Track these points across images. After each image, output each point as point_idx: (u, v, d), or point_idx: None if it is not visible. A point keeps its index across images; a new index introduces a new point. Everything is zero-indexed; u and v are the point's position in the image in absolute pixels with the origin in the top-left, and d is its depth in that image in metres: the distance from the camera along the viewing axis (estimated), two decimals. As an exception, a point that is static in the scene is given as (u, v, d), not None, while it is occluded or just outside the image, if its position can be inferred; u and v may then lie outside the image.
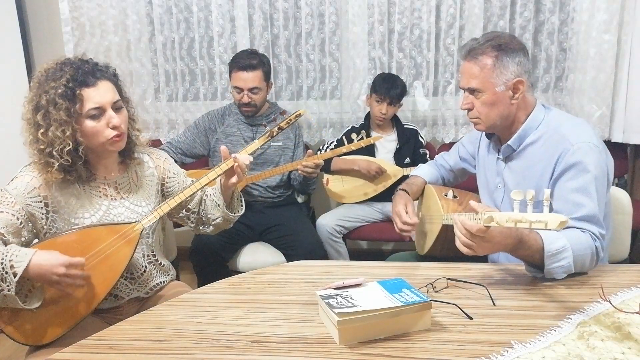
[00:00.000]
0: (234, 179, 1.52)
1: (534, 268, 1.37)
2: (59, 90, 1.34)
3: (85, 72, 1.38)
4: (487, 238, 1.26)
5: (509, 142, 1.56)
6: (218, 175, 1.52)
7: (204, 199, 1.64)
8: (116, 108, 1.43)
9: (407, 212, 1.68)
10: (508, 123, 1.55)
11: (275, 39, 3.07)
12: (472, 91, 1.52)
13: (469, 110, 1.55)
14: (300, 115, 1.66)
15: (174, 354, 1.09)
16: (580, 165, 1.41)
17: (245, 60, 2.44)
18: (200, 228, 1.69)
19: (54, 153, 1.36)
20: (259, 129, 2.58)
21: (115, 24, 3.05)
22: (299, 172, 2.38)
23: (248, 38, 3.03)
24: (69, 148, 1.37)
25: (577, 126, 1.50)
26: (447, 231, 1.63)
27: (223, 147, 1.52)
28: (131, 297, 1.57)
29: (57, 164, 1.37)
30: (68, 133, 1.36)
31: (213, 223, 1.65)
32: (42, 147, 1.37)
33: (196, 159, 2.67)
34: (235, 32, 3.05)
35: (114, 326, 1.22)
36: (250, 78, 2.44)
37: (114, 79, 1.47)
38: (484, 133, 1.72)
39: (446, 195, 1.73)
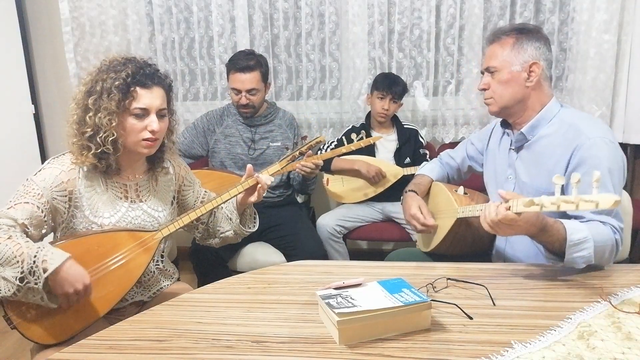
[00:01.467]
0: (252, 198, 1.57)
1: (553, 256, 1.38)
2: (117, 82, 1.39)
3: (146, 74, 1.43)
4: (512, 223, 1.28)
5: (522, 130, 1.57)
6: (239, 192, 1.56)
7: (214, 211, 1.66)
8: (160, 115, 1.47)
9: (422, 214, 1.69)
10: (521, 108, 1.57)
11: (275, 39, 3.07)
12: (490, 71, 1.57)
13: (485, 90, 1.59)
14: (320, 141, 1.79)
15: (174, 354, 1.09)
16: (596, 159, 1.42)
17: (243, 61, 2.44)
18: (206, 239, 1.71)
19: (97, 139, 1.40)
20: (258, 130, 2.58)
21: (115, 24, 3.06)
22: (297, 171, 2.38)
23: (248, 38, 3.03)
24: (113, 138, 1.41)
25: (593, 122, 1.52)
26: (459, 226, 1.63)
27: (249, 166, 1.56)
28: (134, 300, 1.58)
29: (94, 149, 1.41)
30: (114, 123, 1.40)
31: (221, 236, 1.67)
32: (87, 129, 1.40)
33: (195, 159, 2.67)
34: (235, 32, 3.05)
35: (114, 326, 1.22)
36: (248, 79, 2.44)
37: (168, 89, 1.52)
38: (495, 128, 1.73)
39: (457, 192, 1.73)
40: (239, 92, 2.46)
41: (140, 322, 1.23)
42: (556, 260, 1.38)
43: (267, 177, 1.56)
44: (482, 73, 1.62)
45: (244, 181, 1.55)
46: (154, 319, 1.25)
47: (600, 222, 1.41)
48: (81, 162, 1.43)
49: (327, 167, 2.70)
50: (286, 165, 1.68)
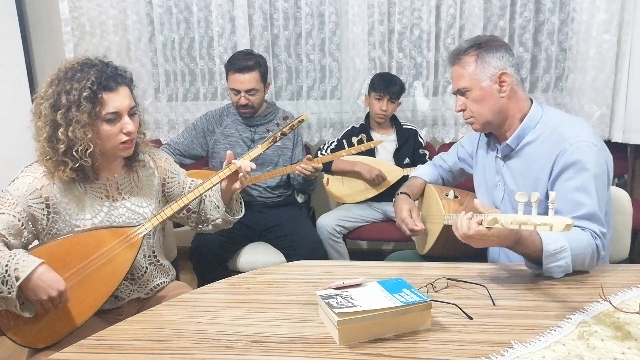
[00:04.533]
0: (236, 185, 1.55)
1: (533, 264, 1.38)
2: (84, 93, 1.35)
3: (108, 76, 1.39)
4: (484, 238, 1.28)
5: (507, 142, 1.57)
6: (221, 180, 1.54)
7: (203, 199, 1.65)
8: (131, 114, 1.44)
9: (412, 218, 1.70)
10: (501, 119, 1.56)
11: (275, 39, 3.07)
12: (462, 92, 1.56)
13: (463, 111, 1.59)
14: (302, 120, 1.70)
15: (174, 354, 1.09)
16: (579, 164, 1.42)
17: (242, 62, 2.44)
18: (200, 227, 1.70)
19: (74, 154, 1.37)
20: (257, 130, 2.58)
21: (115, 24, 3.06)
22: (297, 173, 2.37)
23: (248, 38, 3.03)
24: (90, 150, 1.38)
25: (576, 125, 1.51)
26: (448, 231, 1.63)
27: (229, 152, 1.54)
28: (131, 298, 1.57)
29: (72, 164, 1.38)
30: (90, 135, 1.37)
31: (212, 223, 1.66)
32: (60, 146, 1.37)
33: (195, 160, 2.67)
34: (235, 32, 3.05)
35: (114, 326, 1.22)
36: (247, 80, 2.43)
37: (131, 84, 1.48)
38: (482, 133, 1.72)
39: (447, 195, 1.73)
40: (238, 92, 2.46)
41: (140, 322, 1.23)
42: (535, 269, 1.38)
43: (247, 163, 1.52)
44: (455, 94, 1.61)
45: (224, 168, 1.52)
46: (154, 319, 1.25)
47: (580, 227, 1.40)
48: (58, 178, 1.40)
49: (327, 168, 2.70)
50: (268, 147, 1.63)
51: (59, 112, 1.36)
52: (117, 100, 1.40)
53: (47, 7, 3.14)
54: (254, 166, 1.54)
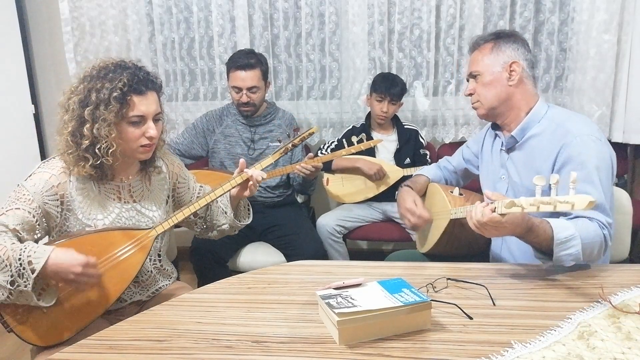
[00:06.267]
0: (246, 193, 1.58)
1: (542, 255, 1.38)
2: (115, 94, 1.36)
3: (140, 79, 1.41)
4: (498, 225, 1.28)
5: (512, 134, 1.59)
6: (232, 187, 1.56)
7: (211, 205, 1.66)
8: (156, 120, 1.46)
9: (417, 207, 1.70)
10: (506, 108, 1.60)
11: (275, 39, 3.07)
12: (473, 76, 1.63)
13: (472, 95, 1.64)
14: (313, 133, 1.75)
15: (174, 354, 1.09)
16: (583, 156, 1.43)
17: (243, 59, 2.44)
18: (205, 233, 1.71)
19: (96, 151, 1.38)
20: (257, 130, 2.58)
21: (115, 24, 3.06)
22: (297, 172, 2.38)
23: (248, 38, 3.04)
24: (113, 149, 1.39)
25: (580, 121, 1.53)
26: (454, 226, 1.63)
27: (242, 160, 1.57)
28: (133, 300, 1.58)
29: (92, 160, 1.39)
30: (114, 134, 1.39)
31: (218, 229, 1.67)
32: (84, 142, 1.38)
33: (195, 160, 2.67)
34: (235, 32, 3.05)
35: (114, 326, 1.22)
36: (249, 77, 2.43)
37: (160, 90, 1.50)
38: (488, 130, 1.75)
39: (452, 192, 1.73)
40: (239, 90, 2.46)
41: (140, 322, 1.23)
42: (545, 260, 1.38)
43: (258, 172, 1.56)
44: (467, 80, 1.67)
45: (236, 176, 1.55)
46: (154, 319, 1.25)
47: (587, 218, 1.41)
48: (77, 173, 1.42)
49: (327, 166, 2.70)
50: (279, 157, 1.66)
51: (87, 108, 1.38)
52: (144, 104, 1.41)
53: (47, 7, 3.14)
54: (264, 175, 1.58)
